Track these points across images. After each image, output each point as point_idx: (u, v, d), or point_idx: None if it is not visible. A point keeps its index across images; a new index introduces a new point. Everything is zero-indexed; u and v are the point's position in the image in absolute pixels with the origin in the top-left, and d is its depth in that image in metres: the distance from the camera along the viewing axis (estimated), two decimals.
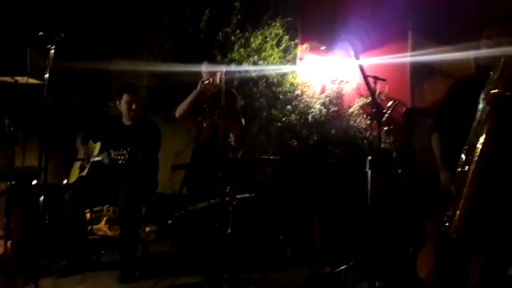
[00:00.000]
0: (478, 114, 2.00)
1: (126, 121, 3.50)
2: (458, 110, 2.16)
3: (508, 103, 1.91)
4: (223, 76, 3.21)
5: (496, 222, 2.04)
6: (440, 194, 2.18)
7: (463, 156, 2.03)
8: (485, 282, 2.12)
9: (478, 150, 1.95)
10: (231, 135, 3.74)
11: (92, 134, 3.59)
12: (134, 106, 3.42)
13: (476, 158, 1.96)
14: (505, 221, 2.04)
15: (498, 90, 1.92)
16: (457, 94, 2.29)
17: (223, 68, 3.35)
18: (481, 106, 1.99)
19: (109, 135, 3.45)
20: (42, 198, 2.53)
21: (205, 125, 3.49)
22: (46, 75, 2.53)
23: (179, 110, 3.74)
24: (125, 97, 3.43)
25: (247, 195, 2.92)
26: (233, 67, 4.33)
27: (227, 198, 2.76)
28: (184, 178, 3.83)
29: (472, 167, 1.97)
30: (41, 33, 2.52)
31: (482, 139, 1.95)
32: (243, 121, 3.76)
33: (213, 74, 3.61)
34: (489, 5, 3.93)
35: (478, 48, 2.20)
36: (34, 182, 3.39)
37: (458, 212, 2.01)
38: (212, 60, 3.84)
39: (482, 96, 1.98)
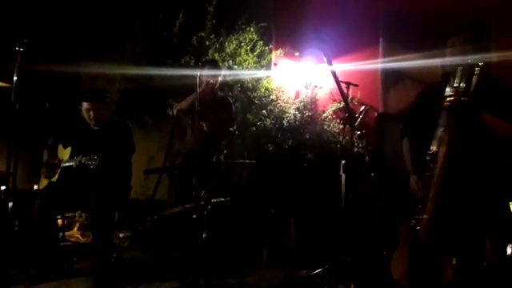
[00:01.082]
0: (441, 120, 2.08)
1: (93, 125, 3.43)
2: (425, 116, 2.24)
3: (464, 109, 2.00)
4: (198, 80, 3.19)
5: (461, 224, 2.12)
6: (411, 197, 2.26)
7: (428, 160, 2.11)
8: (458, 280, 2.20)
9: (441, 155, 2.04)
10: (222, 142, 3.70)
11: (62, 139, 3.50)
12: (92, 114, 3.31)
13: (439, 163, 2.05)
14: (469, 222, 2.12)
15: (454, 98, 2.01)
16: (424, 99, 2.37)
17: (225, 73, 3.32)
18: (442, 111, 2.08)
19: (79, 140, 3.37)
20: (10, 204, 2.46)
21: (205, 129, 3.44)
22: (14, 78, 2.47)
23: (179, 106, 3.64)
24: (84, 104, 3.33)
25: (222, 199, 2.91)
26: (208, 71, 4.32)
27: (202, 203, 2.74)
28: (173, 184, 3.77)
29: (436, 171, 2.05)
30: (8, 34, 2.46)
31: (443, 144, 2.05)
32: (235, 128, 3.73)
33: (214, 77, 3.56)
34: (458, 13, 4.10)
35: (443, 56, 2.29)
36: (3, 187, 3.28)
37: (425, 215, 2.08)
38: (214, 63, 3.79)
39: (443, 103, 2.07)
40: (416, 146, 2.33)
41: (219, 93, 3.80)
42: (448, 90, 2.06)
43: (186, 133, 3.69)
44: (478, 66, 2.04)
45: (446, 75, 2.20)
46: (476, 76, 2.03)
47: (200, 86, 3.41)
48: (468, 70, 2.04)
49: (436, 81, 2.37)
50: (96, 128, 3.40)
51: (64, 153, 3.42)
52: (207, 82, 3.42)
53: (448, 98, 2.02)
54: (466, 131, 2.05)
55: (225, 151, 3.62)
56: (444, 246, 2.16)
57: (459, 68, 2.05)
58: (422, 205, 2.10)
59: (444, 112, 2.05)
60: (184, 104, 3.60)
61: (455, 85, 2.04)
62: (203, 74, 3.43)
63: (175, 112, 3.63)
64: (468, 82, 2.03)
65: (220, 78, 3.65)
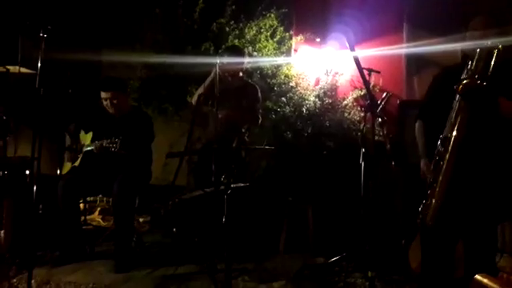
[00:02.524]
0: (454, 103, 2.02)
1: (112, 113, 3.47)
2: (442, 99, 2.17)
3: (479, 93, 1.93)
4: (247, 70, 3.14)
5: (471, 211, 2.07)
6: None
7: (439, 145, 2.06)
8: (470, 269, 2.15)
9: (452, 139, 1.98)
10: (243, 130, 3.64)
11: (84, 125, 3.57)
12: (109, 103, 3.32)
13: (450, 147, 1.99)
14: (479, 209, 2.07)
15: (469, 80, 1.93)
16: (441, 83, 2.30)
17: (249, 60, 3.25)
18: (457, 95, 2.02)
19: (101, 126, 3.43)
20: (35, 188, 2.53)
21: (220, 116, 3.45)
22: (39, 64, 2.51)
23: (197, 92, 3.61)
24: (101, 94, 3.35)
25: (242, 185, 2.93)
26: (225, 58, 4.31)
27: (222, 187, 2.75)
28: (193, 169, 3.79)
29: (447, 156, 1.99)
30: (32, 22, 2.50)
31: (455, 128, 1.98)
32: (260, 117, 3.69)
33: (234, 65, 3.50)
34: None
35: (463, 39, 2.21)
36: (27, 171, 3.38)
37: (433, 200, 2.04)
38: (235, 49, 3.73)
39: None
40: (430, 129, 2.27)
41: (245, 78, 3.76)
42: (464, 73, 1.99)
43: (208, 121, 3.68)
44: (497, 48, 1.96)
45: (466, 57, 2.14)
46: (494, 59, 1.95)
47: (217, 74, 3.41)
48: (486, 53, 1.96)
49: (454, 64, 2.30)
50: (118, 115, 3.45)
51: (86, 137, 3.50)
52: (224, 71, 3.40)
53: (463, 82, 1.95)
54: (480, 116, 1.98)
55: (247, 139, 3.61)
56: (452, 232, 2.12)
57: (477, 50, 1.98)
58: (431, 190, 2.06)
59: (458, 95, 1.99)
60: (201, 89, 3.60)
61: (472, 68, 1.97)
62: (223, 61, 3.40)
63: (195, 100, 3.62)
64: (486, 65, 1.96)
65: (243, 65, 3.60)
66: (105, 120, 3.45)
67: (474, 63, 1.98)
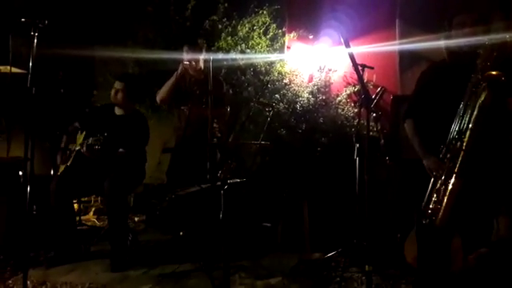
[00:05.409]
0: (465, 97, 2.01)
1: (117, 110, 3.48)
2: (431, 97, 2.17)
3: (502, 87, 1.92)
4: (209, 63, 3.15)
5: (475, 205, 2.07)
6: (425, 181, 2.21)
7: (452, 140, 2.04)
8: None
9: (468, 133, 1.97)
10: (215, 124, 3.67)
11: (84, 125, 3.54)
12: (113, 93, 3.41)
13: (466, 141, 1.97)
14: (479, 204, 2.08)
15: (497, 72, 1.92)
16: (429, 80, 2.30)
17: (208, 55, 3.31)
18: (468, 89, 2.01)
19: (100, 126, 3.39)
20: (28, 188, 2.50)
21: (187, 113, 3.45)
22: (30, 64, 2.48)
23: (160, 94, 3.66)
24: (116, 83, 3.45)
25: (238, 180, 2.91)
26: (220, 55, 4.31)
27: (218, 183, 2.74)
28: (167, 171, 3.79)
29: (462, 152, 1.98)
30: (23, 19, 2.46)
31: (472, 121, 1.97)
32: (228, 109, 3.71)
33: (195, 58, 3.53)
34: None
35: (448, 35, 2.21)
36: (21, 172, 3.35)
37: (445, 198, 2.02)
38: (193, 44, 3.75)
39: (473, 80, 1.99)
40: (421, 127, 2.27)
41: (210, 72, 3.75)
42: (477, 70, 1.98)
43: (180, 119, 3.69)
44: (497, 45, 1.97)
45: (454, 54, 2.13)
46: (508, 55, 1.97)
47: (180, 71, 3.46)
48: (499, 48, 1.97)
49: (440, 60, 2.30)
50: (120, 113, 3.46)
51: (79, 137, 3.47)
52: (183, 63, 3.43)
53: (491, 72, 1.92)
54: (497, 109, 1.98)
55: (219, 134, 3.60)
56: (453, 227, 2.12)
57: (488, 44, 1.98)
58: (442, 187, 2.04)
59: (468, 89, 1.97)
60: (162, 94, 3.62)
61: (484, 63, 1.97)
62: (183, 57, 3.45)
63: (158, 100, 3.67)
64: (497, 61, 1.96)
65: (202, 59, 3.57)
66: (103, 120, 3.44)
67: (484, 58, 1.97)
